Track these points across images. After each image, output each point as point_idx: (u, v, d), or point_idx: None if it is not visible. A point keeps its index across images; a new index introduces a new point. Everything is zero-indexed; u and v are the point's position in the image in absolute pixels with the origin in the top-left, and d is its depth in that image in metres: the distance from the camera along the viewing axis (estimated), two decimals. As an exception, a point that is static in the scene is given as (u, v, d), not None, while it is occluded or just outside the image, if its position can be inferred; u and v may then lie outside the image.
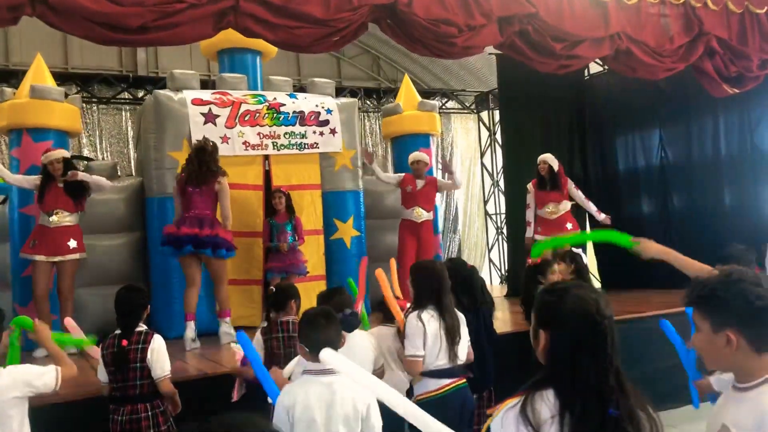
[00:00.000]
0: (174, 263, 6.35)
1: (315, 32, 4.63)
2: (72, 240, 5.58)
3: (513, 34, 5.43)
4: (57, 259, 5.51)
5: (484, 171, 12.48)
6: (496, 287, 11.35)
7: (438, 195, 11.64)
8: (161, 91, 6.73)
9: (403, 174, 7.39)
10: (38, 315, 5.37)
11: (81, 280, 6.37)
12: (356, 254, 7.32)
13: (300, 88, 7.82)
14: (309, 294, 6.87)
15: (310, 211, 7.11)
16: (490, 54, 9.44)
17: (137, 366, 3.44)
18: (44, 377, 2.73)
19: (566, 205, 7.38)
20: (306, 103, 7.23)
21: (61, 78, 9.24)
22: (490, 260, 12.37)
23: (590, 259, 8.75)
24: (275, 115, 6.99)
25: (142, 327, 3.52)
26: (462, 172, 12.54)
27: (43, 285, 5.44)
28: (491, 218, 12.38)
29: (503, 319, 6.62)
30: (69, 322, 3.70)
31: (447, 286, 3.34)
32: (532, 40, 5.54)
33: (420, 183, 7.24)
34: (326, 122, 7.24)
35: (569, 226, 7.39)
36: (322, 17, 4.59)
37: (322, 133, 7.21)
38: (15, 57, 10.19)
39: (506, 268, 11.09)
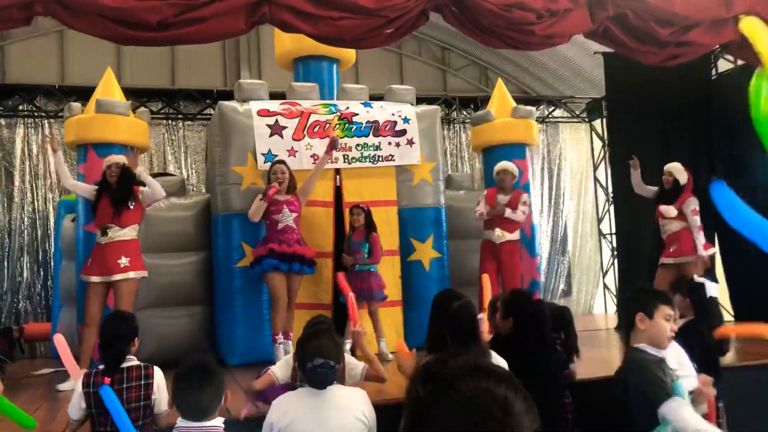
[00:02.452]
0: (237, 284, 6.11)
1: (363, 23, 4.09)
2: (123, 257, 5.15)
3: (607, 20, 4.60)
4: (110, 279, 5.10)
5: (598, 186, 11.42)
6: (611, 317, 10.24)
7: (543, 212, 10.94)
8: (226, 103, 6.43)
9: (485, 192, 6.67)
10: (82, 341, 5.12)
11: (144, 302, 6.22)
12: (437, 278, 6.70)
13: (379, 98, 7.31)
14: (386, 320, 6.38)
15: (384, 230, 6.48)
16: (595, 53, 8.54)
17: (140, 405, 3.00)
18: None
19: (677, 224, 6.37)
20: (381, 112, 6.72)
21: (146, 95, 9.38)
22: (605, 286, 11.26)
23: (722, 288, 7.57)
24: (347, 125, 6.53)
25: (134, 360, 3.07)
26: (572, 187, 11.59)
27: (94, 308, 5.05)
28: (606, 238, 11.28)
29: (606, 359, 5.69)
30: (59, 339, 3.22)
31: (463, 329, 2.60)
32: (631, 26, 4.68)
33: (503, 199, 6.48)
34: (403, 132, 6.69)
35: (672, 249, 6.37)
36: (372, 6, 4.03)
37: (398, 144, 6.66)
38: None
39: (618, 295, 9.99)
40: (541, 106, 11.11)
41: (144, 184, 5.28)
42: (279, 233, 5.62)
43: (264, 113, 6.34)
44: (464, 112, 10.91)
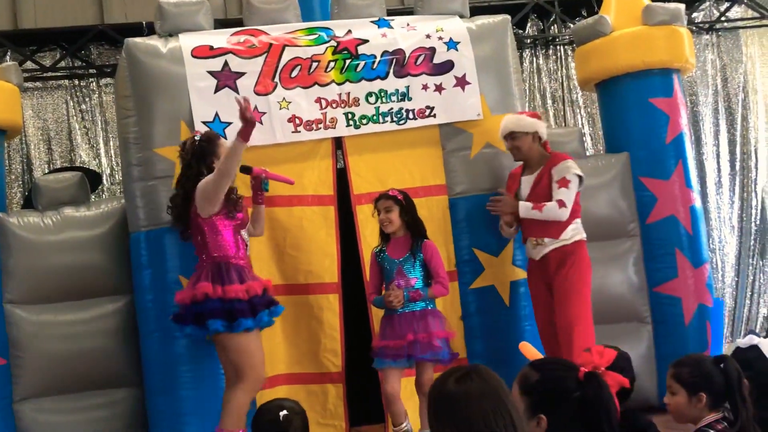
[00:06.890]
0: (180, 347, 6.09)
1: None
2: None
3: None
4: None
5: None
6: None
7: (720, 186, 10.43)
8: (139, 40, 6.38)
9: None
10: None
11: (30, 388, 6.39)
12: (526, 315, 6.53)
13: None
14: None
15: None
16: None
17: None
18: None
19: None
20: (408, 34, 6.58)
21: (40, 40, 9.42)
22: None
23: None
24: (349, 61, 6.39)
25: None
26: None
27: None
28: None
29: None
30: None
31: None
32: None
33: (526, 182, 6.22)
34: (448, 66, 6.55)
35: None
36: None
37: (440, 88, 6.51)
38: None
39: None
40: (706, 3, 10.99)
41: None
42: (244, 260, 5.54)
43: (203, 53, 6.26)
44: (572, 25, 10.58)
